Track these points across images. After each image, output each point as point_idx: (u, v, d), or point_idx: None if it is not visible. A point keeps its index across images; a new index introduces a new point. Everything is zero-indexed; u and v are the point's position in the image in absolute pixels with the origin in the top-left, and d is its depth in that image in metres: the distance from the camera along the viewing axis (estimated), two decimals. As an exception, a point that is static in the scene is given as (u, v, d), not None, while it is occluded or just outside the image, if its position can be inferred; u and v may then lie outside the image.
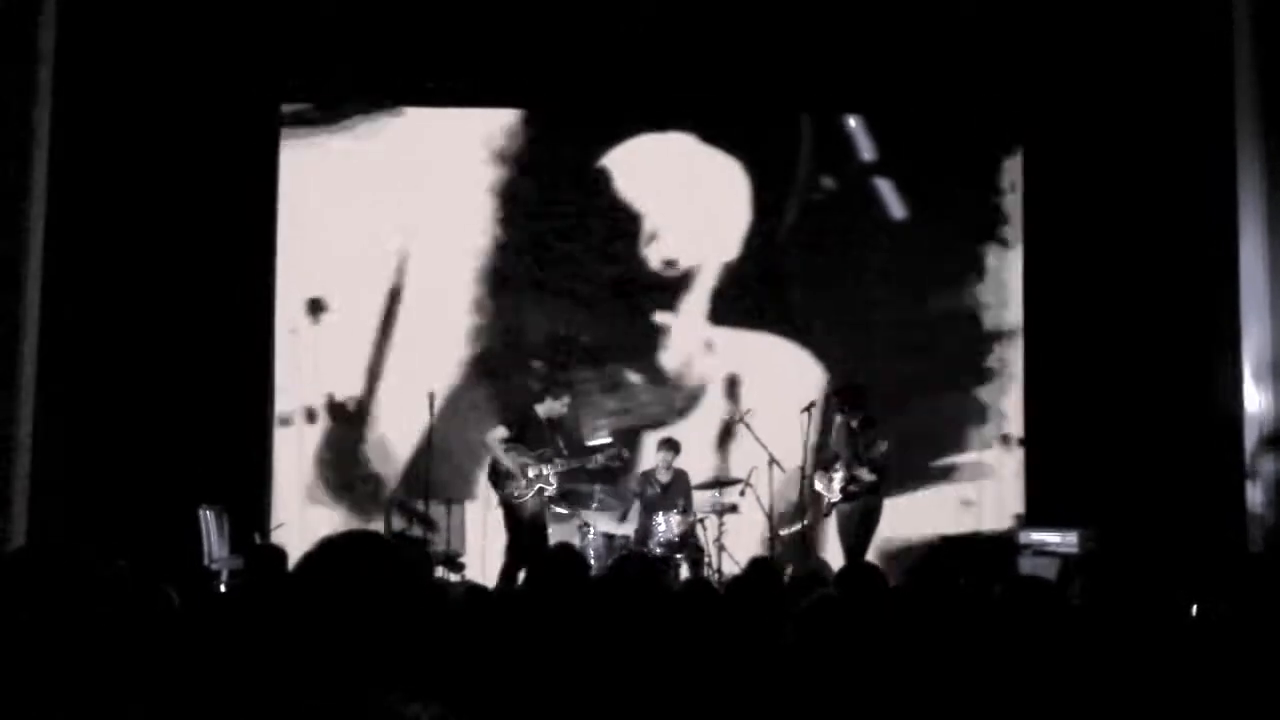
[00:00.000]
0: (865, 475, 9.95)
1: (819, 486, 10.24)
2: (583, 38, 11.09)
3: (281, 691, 2.07)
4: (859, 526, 10.00)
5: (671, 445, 10.65)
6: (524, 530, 9.98)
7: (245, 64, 11.00)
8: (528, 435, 10.11)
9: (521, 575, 9.76)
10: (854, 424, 10.16)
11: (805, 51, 11.19)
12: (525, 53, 11.13)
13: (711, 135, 11.68)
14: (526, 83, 11.35)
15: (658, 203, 11.61)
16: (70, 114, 10.04)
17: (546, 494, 10.09)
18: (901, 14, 11.02)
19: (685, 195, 11.59)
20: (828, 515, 10.32)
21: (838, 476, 10.06)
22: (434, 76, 11.25)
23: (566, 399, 10.29)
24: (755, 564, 5.74)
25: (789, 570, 9.48)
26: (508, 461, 9.98)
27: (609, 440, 10.57)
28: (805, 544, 10.61)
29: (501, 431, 10.13)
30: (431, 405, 10.28)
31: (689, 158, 11.68)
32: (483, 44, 11.10)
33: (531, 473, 10.01)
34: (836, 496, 10.06)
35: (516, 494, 9.97)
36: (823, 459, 10.32)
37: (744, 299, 11.62)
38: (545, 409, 10.22)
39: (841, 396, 10.36)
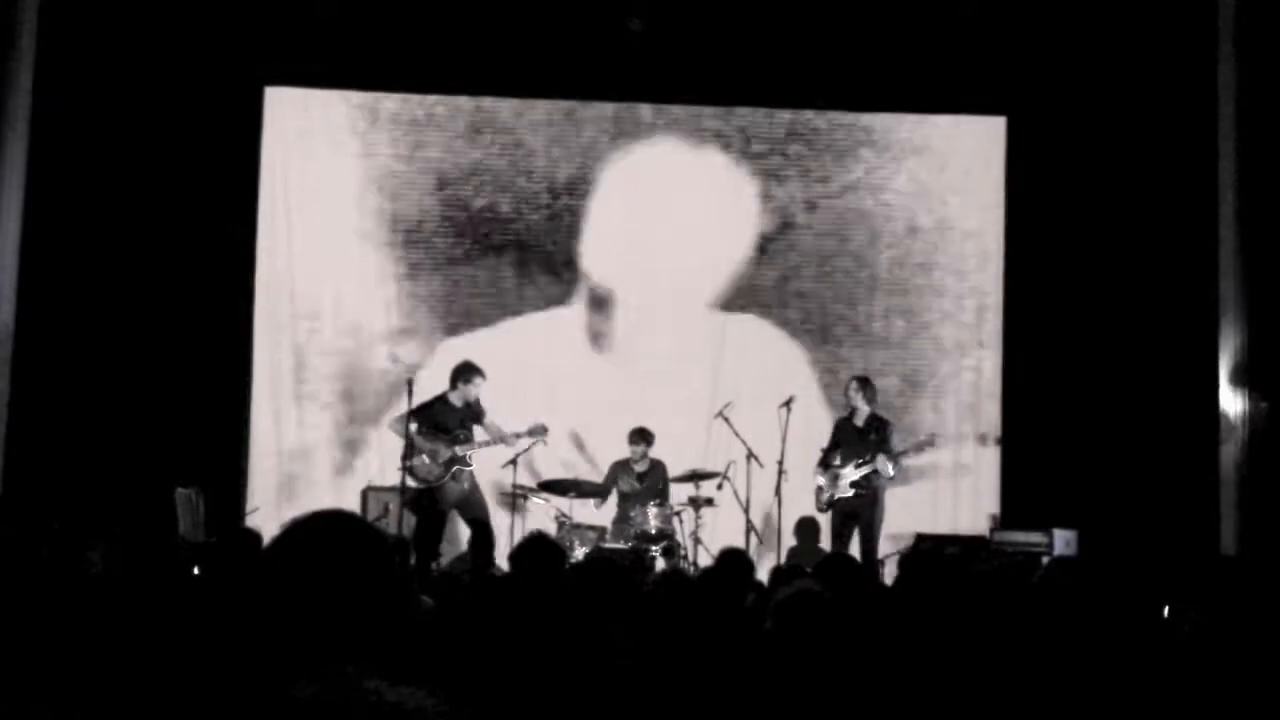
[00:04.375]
0: (887, 468, 10.02)
1: (821, 482, 10.26)
2: (572, 26, 11.11)
3: (257, 673, 2.06)
4: (871, 523, 10.06)
5: (644, 436, 10.63)
6: (439, 517, 10.04)
7: (230, 46, 10.97)
8: (442, 421, 10.07)
9: (436, 563, 9.85)
10: (859, 422, 10.21)
11: (779, 43, 11.20)
12: (513, 42, 11.14)
13: (701, 130, 11.72)
14: (517, 72, 11.35)
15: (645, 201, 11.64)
16: (51, 92, 10.01)
17: (466, 473, 10.03)
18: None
19: (673, 192, 11.63)
20: (825, 511, 10.34)
21: (846, 472, 10.08)
22: (424, 63, 11.25)
23: (479, 380, 10.20)
24: (725, 556, 5.72)
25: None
26: (424, 445, 9.96)
27: (531, 428, 10.43)
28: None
29: (412, 419, 10.05)
30: (410, 391, 10.26)
31: (677, 153, 11.70)
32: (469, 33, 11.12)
33: (446, 455, 9.99)
34: (848, 493, 10.08)
35: (433, 477, 9.96)
36: (827, 456, 10.35)
37: (725, 296, 11.66)
38: (458, 394, 10.18)
39: (862, 384, 10.39)
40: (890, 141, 11.79)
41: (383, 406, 11.29)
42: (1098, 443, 10.82)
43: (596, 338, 11.69)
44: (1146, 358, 10.84)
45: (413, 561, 9.64)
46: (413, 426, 9.96)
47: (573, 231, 11.69)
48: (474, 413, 10.17)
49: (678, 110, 11.72)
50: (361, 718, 1.97)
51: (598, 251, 11.68)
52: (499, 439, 10.09)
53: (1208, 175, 10.23)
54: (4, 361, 9.78)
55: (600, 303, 11.67)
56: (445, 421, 10.06)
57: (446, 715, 2.01)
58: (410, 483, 9.99)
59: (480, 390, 10.18)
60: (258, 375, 11.37)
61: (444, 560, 10.24)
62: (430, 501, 10.04)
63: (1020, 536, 10.13)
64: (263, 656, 2.04)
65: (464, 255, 11.64)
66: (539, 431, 10.19)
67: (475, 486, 10.16)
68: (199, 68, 10.85)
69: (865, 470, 10.03)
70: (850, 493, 10.08)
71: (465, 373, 10.19)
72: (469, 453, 10.01)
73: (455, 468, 9.99)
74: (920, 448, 10.28)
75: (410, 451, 9.96)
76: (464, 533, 10.48)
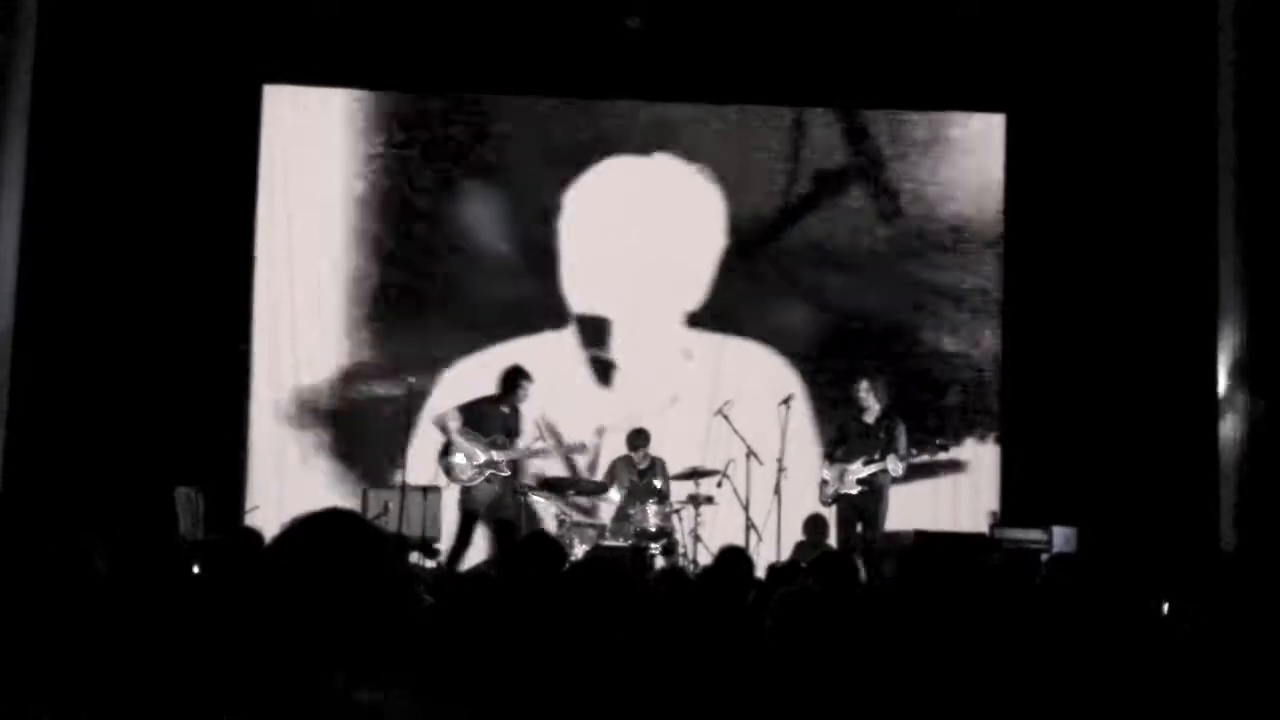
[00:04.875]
0: (897, 468, 10.03)
1: (827, 476, 10.27)
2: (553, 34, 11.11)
3: (237, 671, 2.06)
4: (875, 518, 10.06)
5: (642, 436, 10.62)
6: (471, 518, 10.06)
7: (228, 45, 10.96)
8: (483, 423, 10.09)
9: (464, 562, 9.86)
10: (869, 419, 10.21)
11: (779, 41, 11.20)
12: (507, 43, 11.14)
13: (698, 128, 11.70)
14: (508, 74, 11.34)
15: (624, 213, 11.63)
16: (51, 93, 10.00)
17: (500, 478, 10.04)
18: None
19: (668, 191, 11.63)
20: (830, 505, 10.34)
21: (853, 468, 10.09)
22: (412, 62, 11.24)
23: (527, 385, 10.20)
24: (725, 554, 5.73)
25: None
26: (462, 444, 9.98)
27: (570, 445, 10.44)
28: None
29: (456, 415, 10.10)
30: (410, 393, 10.27)
31: (659, 162, 11.71)
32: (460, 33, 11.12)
33: (482, 458, 10.00)
34: (854, 489, 10.09)
35: (466, 478, 9.98)
36: (833, 449, 10.39)
37: (718, 300, 11.67)
38: (506, 399, 10.17)
39: (872, 379, 10.39)
40: (889, 139, 11.79)
41: (382, 405, 11.29)
42: (1097, 440, 10.82)
43: (591, 341, 11.68)
44: (1146, 355, 10.84)
45: (439, 561, 9.73)
46: (454, 424, 9.99)
47: (569, 233, 11.68)
48: (515, 421, 10.18)
49: (674, 108, 11.71)
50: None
51: (595, 252, 11.67)
52: (536, 453, 10.15)
53: (1207, 173, 10.22)
54: (4, 361, 9.77)
55: (596, 323, 11.66)
56: (487, 424, 10.07)
57: (426, 716, 2.01)
58: (444, 479, 10.03)
59: (529, 396, 10.18)
60: (257, 374, 11.37)
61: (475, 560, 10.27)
62: (463, 500, 10.08)
63: (1020, 534, 10.13)
64: (262, 656, 2.04)
65: (464, 255, 11.63)
66: (578, 449, 10.27)
67: (508, 489, 10.16)
68: (197, 66, 10.84)
69: (874, 469, 10.03)
70: (855, 490, 10.09)
71: (515, 377, 10.18)
72: (504, 459, 10.03)
73: (489, 472, 10.00)
74: (933, 452, 10.28)
75: (449, 448, 10.00)
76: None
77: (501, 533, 10.04)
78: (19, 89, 9.71)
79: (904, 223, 11.75)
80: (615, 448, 11.01)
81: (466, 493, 10.07)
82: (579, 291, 11.66)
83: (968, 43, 11.13)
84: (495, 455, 10.00)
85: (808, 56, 11.25)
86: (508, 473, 10.08)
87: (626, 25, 11.12)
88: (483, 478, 9.99)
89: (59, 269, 10.46)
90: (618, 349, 11.68)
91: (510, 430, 10.14)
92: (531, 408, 10.52)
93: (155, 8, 10.73)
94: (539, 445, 10.26)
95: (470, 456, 9.99)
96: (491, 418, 10.10)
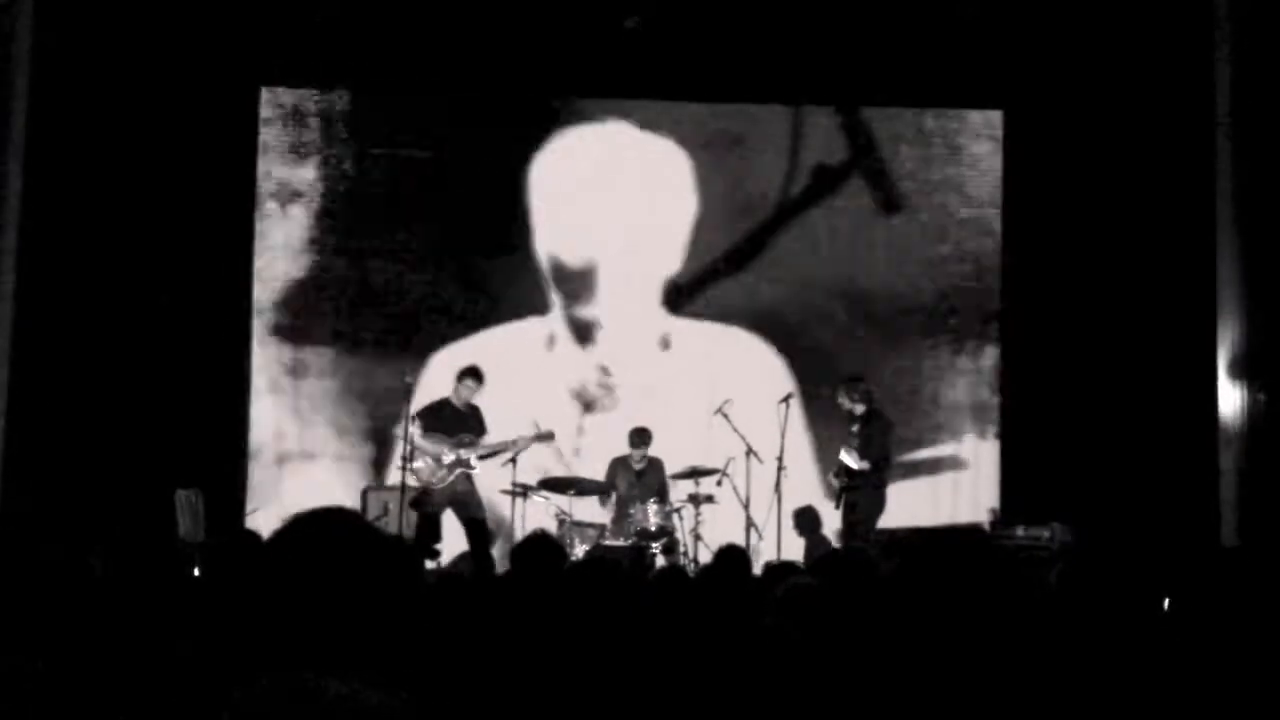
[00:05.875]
0: (851, 459, 10.04)
1: (832, 479, 10.30)
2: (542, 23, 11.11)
3: (236, 672, 2.06)
4: (854, 518, 10.08)
5: (642, 436, 10.63)
6: (430, 520, 10.06)
7: (226, 47, 10.96)
8: (443, 424, 10.10)
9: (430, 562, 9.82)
10: (856, 415, 10.23)
11: (779, 39, 11.19)
12: (486, 39, 11.14)
13: (662, 124, 11.72)
14: (489, 69, 11.33)
15: (606, 194, 11.62)
16: (47, 96, 10.00)
17: (470, 476, 10.07)
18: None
19: (635, 186, 11.63)
20: (839, 507, 10.37)
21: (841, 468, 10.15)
22: (392, 61, 11.23)
23: (470, 383, 10.20)
24: (724, 553, 5.73)
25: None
26: (427, 447, 9.99)
27: (538, 433, 10.39)
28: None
29: (415, 422, 10.10)
30: (408, 394, 10.27)
31: (638, 147, 11.72)
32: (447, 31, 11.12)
33: (449, 458, 10.00)
34: (841, 483, 10.14)
35: (437, 479, 9.99)
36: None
37: (707, 290, 11.67)
38: (456, 396, 10.21)
39: (847, 386, 10.42)
40: (888, 136, 11.79)
41: (382, 407, 11.29)
42: (1098, 437, 10.83)
43: (584, 335, 11.68)
44: (1145, 350, 10.84)
45: (439, 563, 9.71)
46: (415, 429, 9.99)
47: (564, 231, 11.68)
48: (477, 418, 10.18)
49: (674, 107, 11.71)
50: (312, 716, 1.96)
51: (590, 250, 11.66)
52: (504, 448, 10.12)
53: (1205, 168, 10.23)
54: (3, 363, 9.77)
55: (584, 304, 11.67)
56: (448, 424, 10.09)
57: (402, 713, 2.01)
58: (412, 482, 10.03)
59: (474, 394, 10.20)
60: (257, 376, 11.38)
61: (444, 560, 10.25)
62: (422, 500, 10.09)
63: (1020, 531, 10.14)
64: (261, 655, 2.04)
65: (462, 255, 11.63)
66: (546, 437, 10.25)
67: (470, 487, 10.15)
68: (195, 68, 10.84)
69: (842, 463, 10.08)
70: (839, 484, 10.13)
71: (462, 375, 10.26)
72: (472, 455, 10.03)
73: (460, 470, 10.01)
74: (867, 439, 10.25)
75: (414, 453, 10.00)
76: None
77: (474, 532, 10.04)
78: (17, 91, 9.71)
79: (902, 219, 11.75)
80: (605, 440, 10.98)
81: (426, 494, 10.09)
82: (555, 254, 11.65)
83: (967, 40, 11.13)
84: (463, 453, 10.04)
85: (807, 54, 11.25)
86: (478, 468, 10.09)
87: (625, 26, 11.11)
88: (453, 476, 10.01)
89: (58, 271, 10.46)
90: (598, 310, 11.67)
91: (472, 427, 10.16)
92: (506, 403, 10.48)
93: (153, 9, 10.72)
94: (507, 437, 10.18)
95: (438, 458, 10.01)
96: (450, 418, 10.14)
